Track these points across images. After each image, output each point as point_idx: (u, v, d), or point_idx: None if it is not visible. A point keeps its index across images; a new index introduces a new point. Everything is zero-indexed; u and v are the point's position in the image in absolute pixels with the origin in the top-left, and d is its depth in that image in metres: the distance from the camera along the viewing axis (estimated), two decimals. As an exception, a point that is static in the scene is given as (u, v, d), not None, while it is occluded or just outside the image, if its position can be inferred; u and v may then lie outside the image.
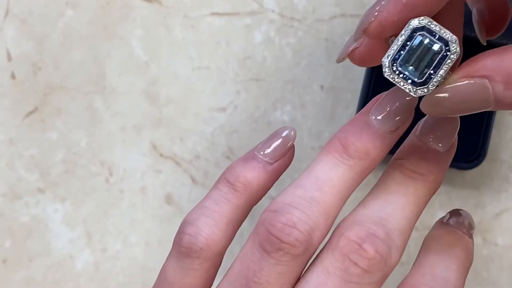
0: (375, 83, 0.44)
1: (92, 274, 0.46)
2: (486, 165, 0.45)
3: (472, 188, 0.45)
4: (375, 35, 0.25)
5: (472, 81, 0.24)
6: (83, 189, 0.46)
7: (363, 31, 0.25)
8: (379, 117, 0.27)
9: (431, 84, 0.25)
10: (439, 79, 0.25)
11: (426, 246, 0.28)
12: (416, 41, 0.25)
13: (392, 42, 0.26)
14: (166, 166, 0.46)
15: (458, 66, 0.25)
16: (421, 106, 0.25)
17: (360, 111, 0.28)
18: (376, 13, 0.25)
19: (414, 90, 0.25)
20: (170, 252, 0.29)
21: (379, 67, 0.30)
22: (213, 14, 0.48)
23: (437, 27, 0.25)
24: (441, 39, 0.25)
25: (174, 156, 0.46)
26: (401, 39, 0.25)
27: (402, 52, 0.25)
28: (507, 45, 0.24)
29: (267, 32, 0.47)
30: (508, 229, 0.44)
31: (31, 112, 0.47)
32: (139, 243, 0.46)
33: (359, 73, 0.46)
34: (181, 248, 0.28)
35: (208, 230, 0.28)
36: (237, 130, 0.46)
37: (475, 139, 0.44)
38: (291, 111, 0.46)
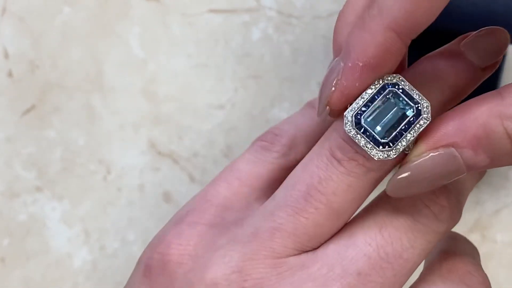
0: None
1: (90, 273, 0.46)
2: (485, 162, 0.45)
3: (471, 185, 0.45)
4: (341, 106, 0.22)
5: (436, 153, 0.21)
6: (81, 187, 0.46)
7: (326, 105, 0.23)
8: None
9: (395, 149, 0.22)
10: (404, 144, 0.22)
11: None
12: (385, 98, 0.23)
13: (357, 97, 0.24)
14: (164, 164, 0.46)
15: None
16: (386, 190, 0.22)
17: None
18: (334, 82, 0.22)
19: (375, 151, 0.22)
20: (245, 151, 0.27)
21: None
22: (211, 11, 0.48)
23: (409, 87, 0.23)
24: (411, 100, 0.22)
25: (172, 153, 0.46)
26: (368, 93, 0.23)
27: (367, 108, 0.23)
28: (467, 102, 0.22)
29: (265, 29, 0.47)
30: (507, 226, 0.44)
31: (28, 110, 0.47)
32: (137, 241, 0.46)
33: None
34: (261, 142, 0.27)
35: (291, 132, 0.27)
36: (235, 127, 0.46)
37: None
38: (289, 108, 0.46)
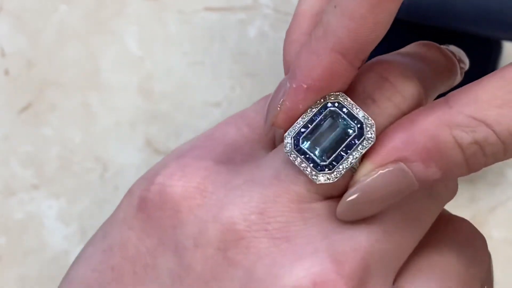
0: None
1: (88, 270, 0.46)
2: (481, 159, 0.45)
3: (466, 182, 0.45)
4: (286, 127, 0.22)
5: (385, 171, 0.20)
6: (78, 185, 0.46)
7: (271, 125, 0.22)
8: None
9: (336, 171, 0.21)
10: (346, 166, 0.21)
11: None
12: (326, 118, 0.21)
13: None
14: (161, 162, 0.46)
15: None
16: (337, 214, 0.21)
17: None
18: (279, 104, 0.21)
19: (316, 175, 0.21)
20: (254, 103, 0.26)
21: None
22: (207, 9, 0.48)
23: (353, 106, 0.21)
24: (354, 119, 0.21)
25: (168, 151, 0.46)
26: (308, 113, 0.22)
27: (308, 128, 0.22)
28: (413, 113, 0.21)
29: (261, 27, 0.47)
30: (503, 223, 0.44)
31: (25, 108, 0.47)
32: (134, 238, 0.46)
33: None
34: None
35: None
36: (232, 125, 0.46)
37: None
38: (285, 106, 0.46)
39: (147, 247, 0.22)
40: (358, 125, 0.21)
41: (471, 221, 0.23)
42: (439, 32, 0.45)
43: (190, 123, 0.46)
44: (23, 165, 0.46)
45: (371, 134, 0.21)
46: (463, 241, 0.23)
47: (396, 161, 0.20)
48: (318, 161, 0.21)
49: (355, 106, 0.21)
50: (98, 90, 0.47)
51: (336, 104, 0.21)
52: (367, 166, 0.21)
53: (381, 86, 0.22)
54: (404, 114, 0.22)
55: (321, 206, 0.22)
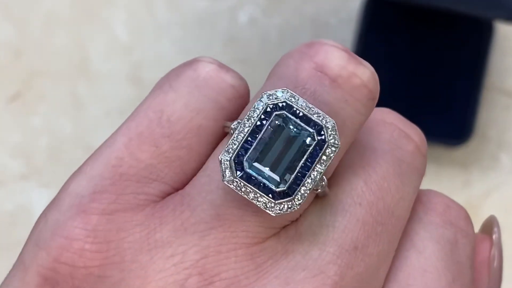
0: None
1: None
2: (474, 143, 0.44)
3: (460, 167, 0.45)
4: None
5: None
6: (68, 175, 0.45)
7: None
8: None
9: (299, 195, 0.16)
10: (310, 187, 0.16)
11: None
12: (272, 127, 0.17)
13: (234, 130, 0.17)
14: (152, 150, 0.46)
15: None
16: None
17: None
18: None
19: (272, 206, 0.16)
20: None
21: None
22: (196, -5, 0.47)
23: (304, 105, 0.17)
24: (309, 123, 0.16)
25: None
26: (248, 124, 0.17)
27: (250, 145, 0.16)
28: None
29: (252, 13, 0.47)
30: (497, 207, 0.44)
31: (13, 98, 0.46)
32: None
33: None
34: None
35: None
36: (223, 112, 0.46)
37: (462, 115, 0.44)
38: (277, 92, 0.46)
39: None
40: (316, 129, 0.16)
41: (465, 207, 0.21)
42: (431, 14, 0.44)
43: (181, 111, 0.46)
44: (12, 155, 0.46)
45: (335, 138, 0.17)
46: (440, 225, 0.19)
47: None
48: (272, 187, 0.16)
49: (308, 104, 0.17)
50: (87, 79, 0.46)
51: (285, 106, 0.17)
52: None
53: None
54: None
55: (275, 242, 0.17)
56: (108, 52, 0.47)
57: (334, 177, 0.18)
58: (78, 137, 0.46)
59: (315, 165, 0.16)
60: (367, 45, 0.44)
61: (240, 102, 0.19)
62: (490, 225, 0.22)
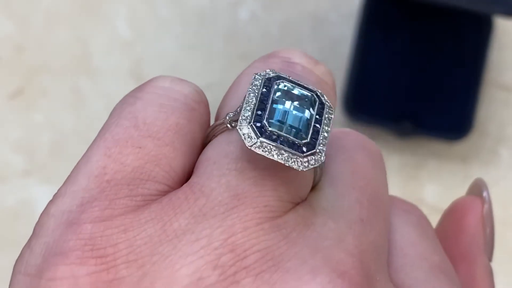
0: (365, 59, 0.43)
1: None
2: (473, 138, 0.45)
3: (459, 161, 0.45)
4: None
5: None
6: (70, 170, 0.45)
7: None
8: None
9: (319, 150, 0.17)
10: (325, 142, 0.17)
11: None
12: (279, 90, 0.17)
13: (233, 119, 0.18)
14: (153, 146, 0.46)
15: None
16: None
17: None
18: None
19: (303, 160, 0.17)
20: None
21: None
22: (197, -9, 0.47)
23: (292, 78, 0.18)
24: (306, 88, 0.18)
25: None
26: (253, 94, 0.17)
27: (263, 109, 0.17)
28: None
29: (253, 9, 0.47)
30: (496, 201, 0.44)
31: (15, 94, 0.47)
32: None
33: (345, 50, 0.45)
34: None
35: None
36: (224, 108, 0.46)
37: (462, 110, 0.44)
38: (277, 88, 0.46)
39: None
40: (314, 93, 0.18)
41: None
42: (431, 9, 0.45)
43: (182, 107, 0.46)
44: (14, 151, 0.46)
45: (328, 102, 0.18)
46: (403, 213, 0.21)
47: None
48: (296, 141, 0.17)
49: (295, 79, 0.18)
50: (89, 75, 0.47)
51: (278, 77, 0.18)
52: None
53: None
54: None
55: (295, 216, 0.18)
56: (109, 48, 0.47)
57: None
58: (80, 133, 0.46)
59: (322, 125, 0.17)
60: (367, 41, 0.44)
61: (206, 109, 0.20)
62: (478, 187, 0.24)
